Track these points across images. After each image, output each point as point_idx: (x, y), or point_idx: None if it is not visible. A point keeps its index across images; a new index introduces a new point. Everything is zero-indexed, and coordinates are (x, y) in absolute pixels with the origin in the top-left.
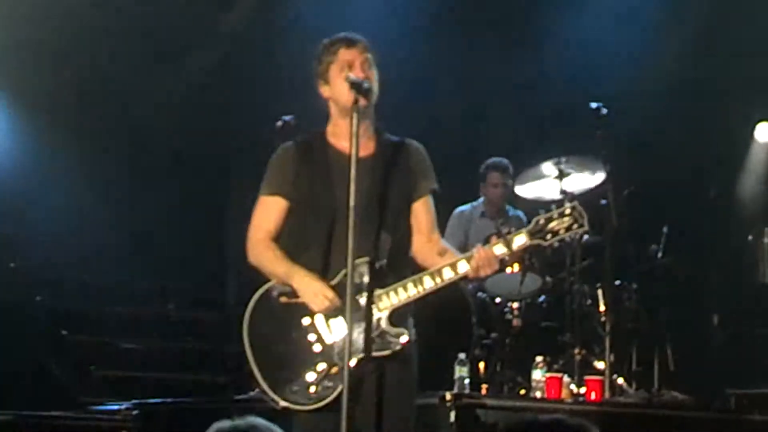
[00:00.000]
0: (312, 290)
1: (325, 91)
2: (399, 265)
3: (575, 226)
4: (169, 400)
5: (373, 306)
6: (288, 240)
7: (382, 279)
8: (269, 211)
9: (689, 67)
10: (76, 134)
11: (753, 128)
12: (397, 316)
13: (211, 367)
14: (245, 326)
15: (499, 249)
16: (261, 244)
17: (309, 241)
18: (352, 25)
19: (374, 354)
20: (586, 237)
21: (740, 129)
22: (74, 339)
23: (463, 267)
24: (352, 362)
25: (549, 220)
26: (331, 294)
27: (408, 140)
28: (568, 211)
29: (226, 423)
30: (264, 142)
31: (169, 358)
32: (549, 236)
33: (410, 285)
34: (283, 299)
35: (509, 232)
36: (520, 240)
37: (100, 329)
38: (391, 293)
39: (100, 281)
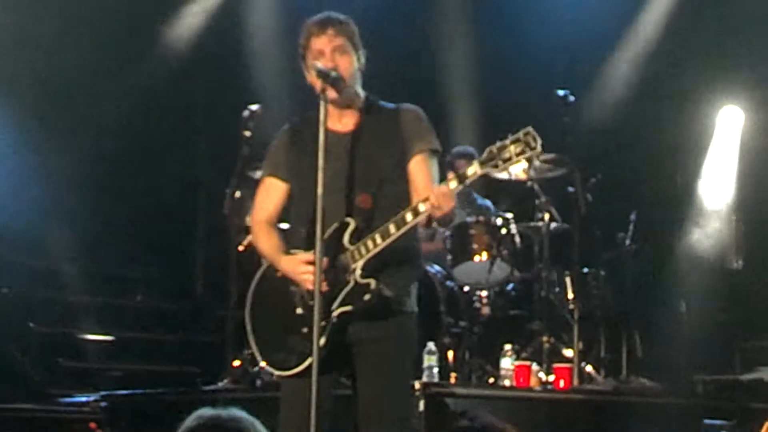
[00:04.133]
0: (298, 270)
1: (308, 76)
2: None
3: (527, 150)
4: (137, 391)
5: (349, 262)
6: (292, 218)
7: (361, 237)
8: (268, 192)
9: (656, 53)
10: (42, 122)
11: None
12: (393, 285)
13: (179, 357)
14: (248, 301)
15: (453, 183)
16: (257, 227)
17: (300, 219)
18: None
19: (343, 309)
20: (553, 224)
21: (706, 115)
22: (41, 330)
23: (423, 208)
24: (333, 319)
25: (501, 148)
26: (306, 267)
27: (403, 106)
28: (520, 137)
29: (207, 411)
30: (232, 131)
31: (137, 349)
32: (501, 163)
33: (377, 235)
34: (279, 273)
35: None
36: (471, 170)
37: (68, 320)
38: (361, 247)
39: (67, 272)
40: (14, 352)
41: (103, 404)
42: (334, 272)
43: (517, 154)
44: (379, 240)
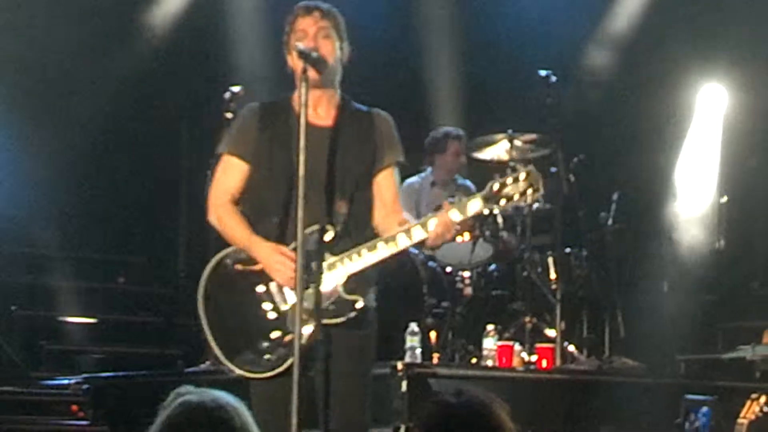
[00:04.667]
0: (274, 260)
1: (288, 60)
2: (358, 233)
3: (530, 191)
4: (119, 374)
5: (329, 273)
6: (247, 205)
7: (338, 246)
8: (231, 172)
9: (638, 33)
10: (24, 110)
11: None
12: (356, 285)
13: (161, 340)
14: (200, 295)
15: (455, 215)
16: (222, 208)
17: (267, 208)
18: None
19: (329, 321)
20: (536, 205)
21: (689, 93)
22: (23, 314)
23: (418, 233)
24: (307, 330)
25: (503, 185)
26: (292, 265)
27: (375, 110)
28: (523, 176)
29: (192, 397)
30: (213, 114)
31: (119, 332)
32: (503, 201)
33: (364, 251)
34: (239, 267)
35: (460, 200)
36: (474, 205)
37: (50, 303)
38: (346, 260)
39: (49, 255)
40: None
41: (85, 387)
42: (314, 281)
43: (520, 194)
44: (367, 257)
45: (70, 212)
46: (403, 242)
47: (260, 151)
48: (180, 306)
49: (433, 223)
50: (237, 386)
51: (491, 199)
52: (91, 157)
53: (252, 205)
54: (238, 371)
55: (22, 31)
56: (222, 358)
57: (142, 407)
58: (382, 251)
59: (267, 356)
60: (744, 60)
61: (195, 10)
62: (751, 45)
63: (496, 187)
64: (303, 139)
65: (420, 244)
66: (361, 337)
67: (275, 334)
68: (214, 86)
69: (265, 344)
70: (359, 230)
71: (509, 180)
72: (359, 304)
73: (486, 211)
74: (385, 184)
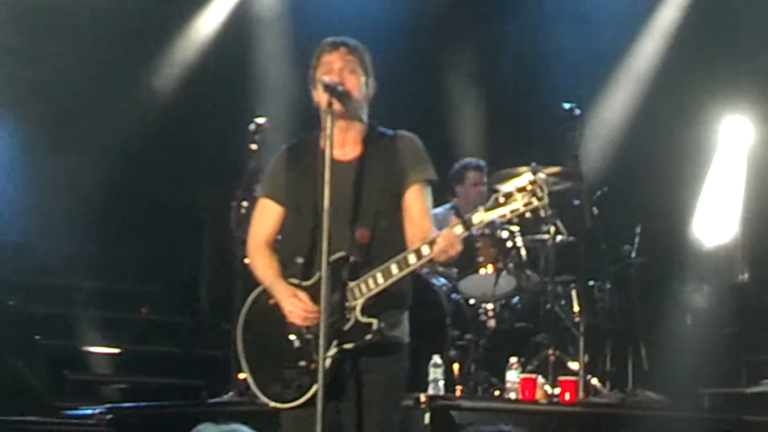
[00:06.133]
0: (287, 302)
1: (314, 95)
2: (384, 257)
3: (534, 200)
4: (143, 404)
5: (349, 299)
6: (283, 243)
7: (358, 274)
8: (265, 214)
9: (661, 65)
10: (51, 140)
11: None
12: (377, 309)
13: (185, 370)
14: (239, 327)
15: (459, 229)
16: (255, 250)
17: (297, 244)
18: (322, 24)
19: (346, 346)
20: (559, 237)
21: (712, 126)
22: (47, 343)
23: (427, 251)
24: (330, 354)
25: (507, 196)
26: (303, 307)
27: (401, 133)
28: (528, 187)
29: (211, 427)
30: (238, 145)
31: (142, 362)
32: (508, 213)
33: (379, 274)
34: (272, 301)
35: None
36: (477, 217)
37: (73, 333)
38: (362, 285)
39: (73, 285)
40: (21, 365)
41: (108, 417)
42: (333, 308)
43: (525, 205)
44: (380, 279)
45: (94, 242)
46: (413, 260)
47: (289, 191)
48: (203, 337)
49: (442, 238)
50: (258, 418)
51: (495, 209)
52: (115, 186)
53: (286, 243)
54: (270, 402)
55: (44, 57)
56: (255, 388)
57: None
58: (395, 271)
59: (293, 385)
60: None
61: (222, 41)
62: None
63: (500, 198)
64: (328, 172)
65: (430, 261)
66: (393, 369)
67: (301, 363)
68: (240, 117)
69: (292, 373)
70: (382, 256)
71: (513, 190)
72: (375, 326)
73: (490, 221)
74: (412, 199)
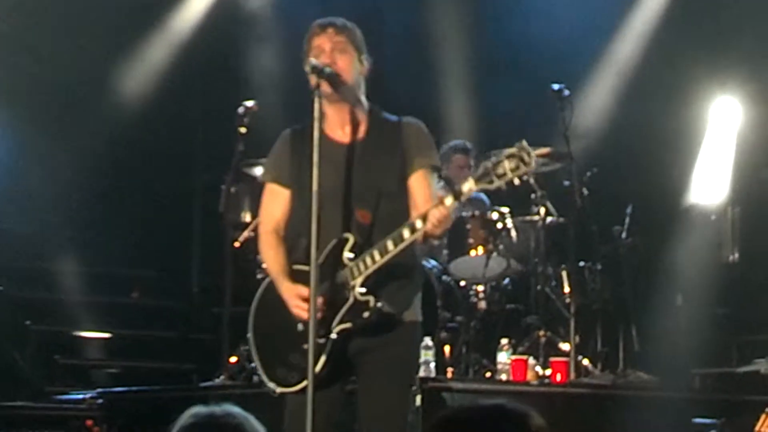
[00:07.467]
0: (292, 306)
1: (310, 79)
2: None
3: (522, 165)
4: (134, 388)
5: (348, 278)
6: (290, 228)
7: (360, 254)
8: (272, 200)
9: (651, 45)
10: (40, 125)
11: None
12: (376, 288)
13: (176, 354)
14: (251, 314)
15: (449, 200)
16: (264, 238)
17: (302, 228)
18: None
19: (345, 326)
20: (550, 219)
21: (703, 106)
22: (37, 328)
23: (420, 224)
24: (332, 336)
25: (495, 163)
26: (306, 306)
27: (405, 119)
28: (514, 152)
29: (202, 409)
30: (227, 128)
31: (133, 347)
32: (496, 179)
33: (376, 252)
34: None
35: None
36: (467, 186)
37: (64, 318)
38: (360, 263)
39: (63, 270)
40: (11, 351)
41: (99, 401)
42: (333, 289)
43: (512, 170)
44: (377, 256)
45: (84, 227)
46: (407, 235)
47: (293, 175)
48: (194, 320)
49: (433, 213)
50: (251, 401)
51: (483, 178)
52: (105, 171)
53: (292, 228)
54: (276, 388)
55: (36, 46)
56: (261, 374)
57: (156, 422)
58: (391, 247)
59: (296, 368)
60: (757, 73)
61: (211, 25)
62: (765, 58)
63: (488, 166)
64: (316, 155)
65: (424, 235)
66: (396, 349)
67: (305, 346)
68: (229, 100)
69: (296, 357)
70: (386, 235)
71: (501, 157)
72: (372, 304)
73: (479, 189)
74: (416, 186)
